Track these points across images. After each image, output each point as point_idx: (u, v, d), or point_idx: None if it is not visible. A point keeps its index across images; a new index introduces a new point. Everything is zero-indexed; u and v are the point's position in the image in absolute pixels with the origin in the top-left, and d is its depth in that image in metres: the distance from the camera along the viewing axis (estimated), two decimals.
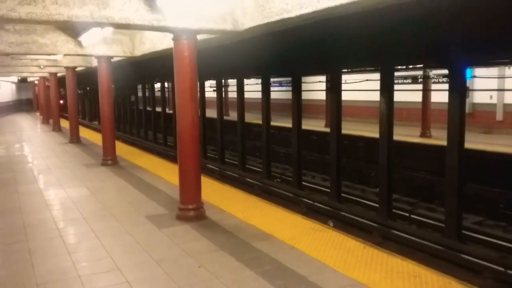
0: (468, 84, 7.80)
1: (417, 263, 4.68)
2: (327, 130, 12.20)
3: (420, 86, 15.72)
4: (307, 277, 4.41)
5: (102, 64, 11.04)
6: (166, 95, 20.88)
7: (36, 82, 30.31)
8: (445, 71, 11.43)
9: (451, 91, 6.82)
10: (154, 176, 9.61)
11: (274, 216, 6.46)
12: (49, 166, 11.40)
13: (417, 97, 15.61)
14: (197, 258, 4.97)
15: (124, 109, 23.39)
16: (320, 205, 9.34)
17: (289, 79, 15.49)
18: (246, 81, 13.38)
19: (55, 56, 13.14)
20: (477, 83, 14.45)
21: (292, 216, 6.46)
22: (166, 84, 19.99)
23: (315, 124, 17.40)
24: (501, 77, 14.47)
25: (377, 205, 8.47)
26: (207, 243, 5.48)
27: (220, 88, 14.51)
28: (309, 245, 5.27)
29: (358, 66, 11.65)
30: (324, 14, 5.21)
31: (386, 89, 7.92)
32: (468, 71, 10.92)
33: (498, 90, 14.89)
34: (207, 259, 4.94)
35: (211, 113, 15.68)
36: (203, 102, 14.74)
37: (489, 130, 15.60)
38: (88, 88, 28.91)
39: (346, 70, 11.85)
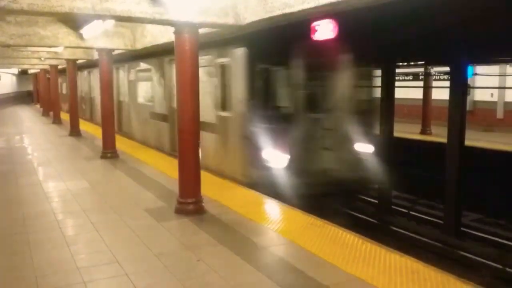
0: (469, 81, 7.73)
1: (415, 259, 4.69)
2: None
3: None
4: (305, 272, 4.42)
5: (103, 56, 11.01)
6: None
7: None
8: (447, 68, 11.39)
9: (452, 88, 6.81)
10: (154, 170, 9.61)
11: (274, 211, 6.46)
12: (49, 159, 11.40)
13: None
14: (196, 252, 4.98)
15: None
16: None
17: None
18: None
19: (56, 48, 13.10)
20: (478, 81, 14.43)
21: (291, 211, 6.47)
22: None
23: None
24: (502, 75, 14.46)
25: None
26: (206, 237, 5.49)
27: None
28: (308, 240, 5.28)
29: None
30: (327, 9, 5.20)
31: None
32: (469, 69, 10.86)
33: (499, 88, 14.88)
34: (206, 253, 4.95)
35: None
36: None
37: (490, 128, 15.62)
38: None
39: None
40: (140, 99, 13.90)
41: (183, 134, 6.40)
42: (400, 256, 4.77)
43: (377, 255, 4.80)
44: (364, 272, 4.39)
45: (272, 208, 6.62)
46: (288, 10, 5.42)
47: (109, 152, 11.26)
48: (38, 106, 32.69)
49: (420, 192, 10.68)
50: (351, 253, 4.88)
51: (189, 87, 6.29)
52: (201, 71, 8.17)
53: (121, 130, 15.50)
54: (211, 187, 7.71)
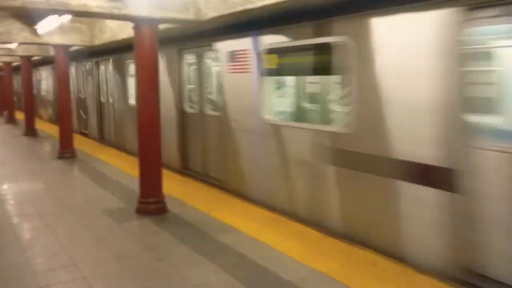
0: None
1: (375, 252, 4.78)
2: None
3: None
4: (269, 268, 4.42)
5: (59, 53, 10.65)
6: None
7: None
8: None
9: None
10: (114, 169, 9.38)
11: (238, 209, 6.43)
12: (2, 160, 10.92)
13: None
14: (157, 252, 4.89)
15: None
16: None
17: None
18: None
19: (10, 44, 12.57)
20: None
21: (255, 209, 6.45)
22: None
23: None
24: None
25: None
26: (168, 236, 5.40)
27: None
28: (271, 236, 5.28)
29: None
30: (287, 6, 5.21)
31: None
32: None
33: None
34: (168, 253, 4.87)
35: None
36: None
37: None
38: None
39: None
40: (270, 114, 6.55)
41: (144, 131, 6.27)
42: (361, 249, 4.85)
43: (338, 249, 4.87)
44: (325, 266, 4.44)
45: (236, 206, 6.59)
46: (249, 6, 5.40)
47: (66, 152, 10.91)
48: None
49: None
50: (313, 247, 4.92)
51: (149, 84, 6.17)
52: None
53: (228, 184, 7.38)
54: (174, 186, 7.60)
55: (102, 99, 13.38)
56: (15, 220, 6.18)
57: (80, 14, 6.16)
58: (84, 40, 10.26)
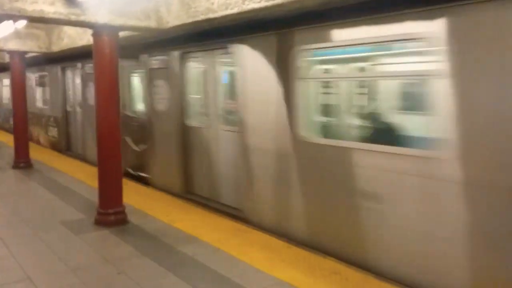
0: None
1: (338, 260, 4.82)
2: None
3: None
4: (231, 279, 4.37)
5: (14, 60, 10.27)
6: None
7: None
8: None
9: None
10: (72, 179, 9.09)
11: (200, 219, 6.36)
12: None
13: None
14: (117, 265, 4.75)
15: None
16: None
17: None
18: None
19: None
20: None
21: (218, 218, 6.40)
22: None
23: None
24: None
25: None
26: (128, 248, 5.26)
27: None
28: (234, 246, 5.24)
29: None
30: (250, 16, 5.24)
31: None
32: None
33: None
34: (128, 266, 4.73)
35: None
36: None
37: None
38: None
39: None
40: None
41: (103, 140, 6.12)
42: (323, 258, 4.89)
43: (301, 258, 4.88)
44: (289, 275, 4.43)
45: (199, 216, 6.51)
46: (211, 15, 5.39)
47: (22, 161, 10.48)
48: None
49: None
50: (277, 257, 4.92)
51: (109, 92, 6.04)
52: None
53: None
54: (136, 196, 7.44)
55: (194, 123, 7.53)
56: None
57: (36, 20, 5.96)
58: (42, 46, 9.95)
